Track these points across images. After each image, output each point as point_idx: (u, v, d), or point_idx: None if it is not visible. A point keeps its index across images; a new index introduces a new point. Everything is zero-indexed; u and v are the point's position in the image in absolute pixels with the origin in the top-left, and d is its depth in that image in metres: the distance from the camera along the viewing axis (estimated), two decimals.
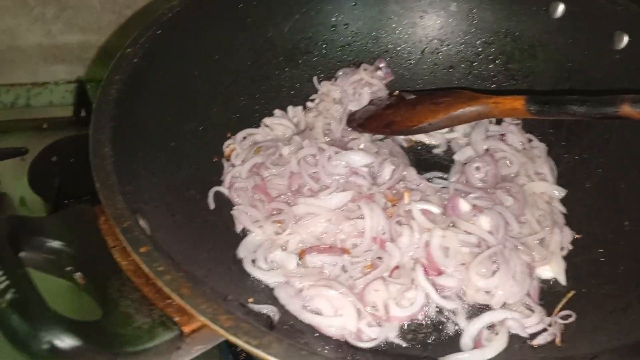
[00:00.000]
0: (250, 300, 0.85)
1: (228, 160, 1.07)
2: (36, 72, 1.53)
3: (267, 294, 0.89)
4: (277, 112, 1.16)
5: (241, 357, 0.98)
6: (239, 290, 0.87)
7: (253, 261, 0.92)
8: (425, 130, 1.07)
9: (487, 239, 0.92)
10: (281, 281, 0.90)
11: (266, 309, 0.82)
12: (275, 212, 0.99)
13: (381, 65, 1.22)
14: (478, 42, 1.20)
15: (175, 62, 0.96)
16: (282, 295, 0.88)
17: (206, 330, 0.60)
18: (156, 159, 0.88)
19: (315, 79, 1.21)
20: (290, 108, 1.18)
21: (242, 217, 0.98)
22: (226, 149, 1.08)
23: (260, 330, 0.55)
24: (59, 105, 1.52)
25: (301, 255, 0.92)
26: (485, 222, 0.93)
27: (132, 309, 0.58)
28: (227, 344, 0.98)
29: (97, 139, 0.72)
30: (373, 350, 0.84)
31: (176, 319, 0.59)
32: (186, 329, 0.59)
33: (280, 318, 0.83)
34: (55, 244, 0.63)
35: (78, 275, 0.64)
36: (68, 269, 0.64)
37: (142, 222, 0.66)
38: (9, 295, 0.52)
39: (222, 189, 1.01)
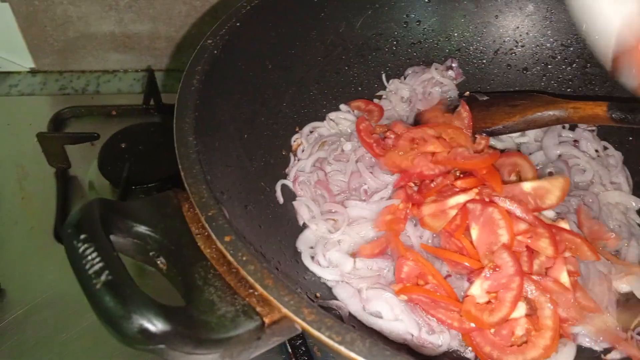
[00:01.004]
0: (318, 295, 0.85)
1: (295, 154, 1.08)
2: (106, 60, 1.57)
3: (330, 290, 0.89)
4: (342, 107, 1.16)
5: (300, 352, 0.98)
6: (306, 284, 0.87)
7: (312, 257, 0.93)
8: (499, 133, 1.04)
9: None
10: (339, 280, 0.90)
11: (335, 304, 0.82)
12: (330, 210, 0.99)
13: (453, 64, 1.20)
14: (554, 44, 1.16)
15: (252, 55, 0.96)
16: (341, 294, 0.88)
17: (285, 322, 0.60)
18: (231, 150, 0.89)
19: (383, 76, 1.20)
20: None
21: (302, 209, 0.98)
22: (293, 143, 1.09)
23: (343, 327, 0.55)
24: (127, 93, 1.55)
25: (354, 256, 0.92)
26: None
27: (216, 297, 0.59)
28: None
29: (181, 128, 0.74)
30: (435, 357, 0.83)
31: (258, 309, 0.59)
32: (267, 320, 0.59)
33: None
34: (142, 228, 0.64)
35: (161, 260, 0.65)
36: (152, 253, 0.65)
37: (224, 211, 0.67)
38: (103, 277, 0.53)
39: (288, 182, 1.02)
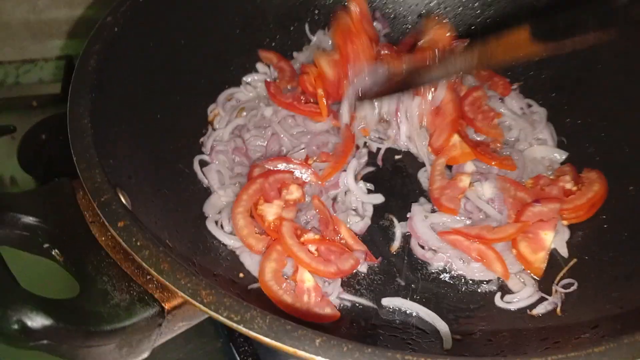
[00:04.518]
0: (242, 275, 0.83)
1: (212, 126, 1.04)
2: (25, 49, 1.48)
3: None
4: (259, 66, 1.12)
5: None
6: (229, 265, 0.84)
7: (216, 222, 0.89)
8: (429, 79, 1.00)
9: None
10: (243, 246, 0.86)
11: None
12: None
13: (377, 15, 1.17)
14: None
15: (159, 31, 0.92)
16: (247, 261, 0.85)
17: (188, 307, 0.58)
18: (141, 131, 0.85)
19: (307, 26, 1.16)
20: None
21: (212, 175, 0.94)
22: (210, 114, 1.04)
23: (243, 305, 0.53)
24: (50, 82, 1.48)
25: None
26: (488, 189, 0.91)
27: (110, 286, 0.56)
28: None
29: (75, 111, 0.70)
30: None
31: (156, 295, 0.57)
32: (167, 306, 0.57)
33: None
34: (30, 219, 0.60)
35: (56, 252, 0.61)
36: (45, 245, 0.61)
37: (122, 197, 0.64)
38: None
39: (204, 157, 0.97)
